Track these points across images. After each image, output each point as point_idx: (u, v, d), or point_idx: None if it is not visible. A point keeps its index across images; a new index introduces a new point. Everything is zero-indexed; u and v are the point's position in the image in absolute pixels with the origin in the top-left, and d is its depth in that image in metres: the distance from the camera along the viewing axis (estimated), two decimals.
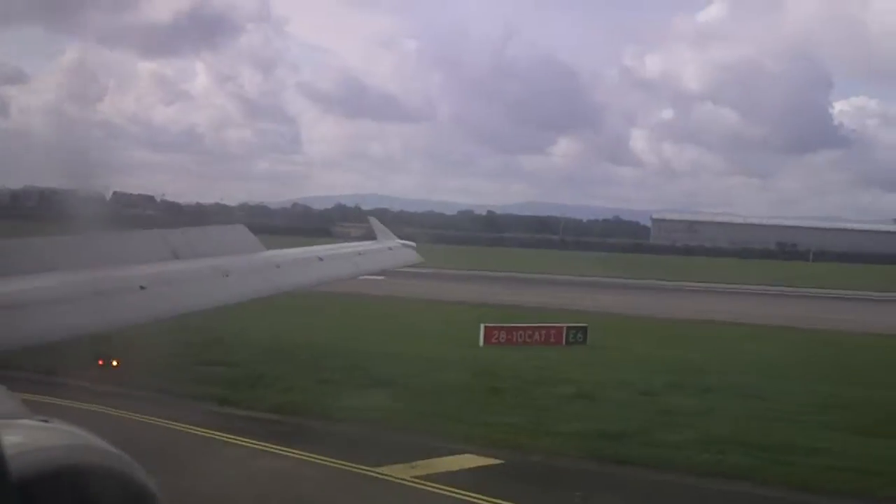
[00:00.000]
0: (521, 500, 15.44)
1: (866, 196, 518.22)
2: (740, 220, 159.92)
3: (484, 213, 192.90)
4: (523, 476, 17.03)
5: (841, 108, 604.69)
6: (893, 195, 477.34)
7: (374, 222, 11.78)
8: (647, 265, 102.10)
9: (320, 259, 8.99)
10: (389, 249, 11.06)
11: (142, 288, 5.98)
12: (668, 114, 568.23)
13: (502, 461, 17.59)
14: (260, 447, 18.11)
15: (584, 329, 34.32)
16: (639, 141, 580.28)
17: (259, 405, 21.90)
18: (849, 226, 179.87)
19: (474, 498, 15.26)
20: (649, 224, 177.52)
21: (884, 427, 20.41)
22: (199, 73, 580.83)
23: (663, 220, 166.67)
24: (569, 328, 34.20)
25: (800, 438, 19.36)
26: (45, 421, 2.54)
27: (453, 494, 15.45)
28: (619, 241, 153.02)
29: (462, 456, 17.70)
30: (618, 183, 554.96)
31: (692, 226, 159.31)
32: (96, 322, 5.64)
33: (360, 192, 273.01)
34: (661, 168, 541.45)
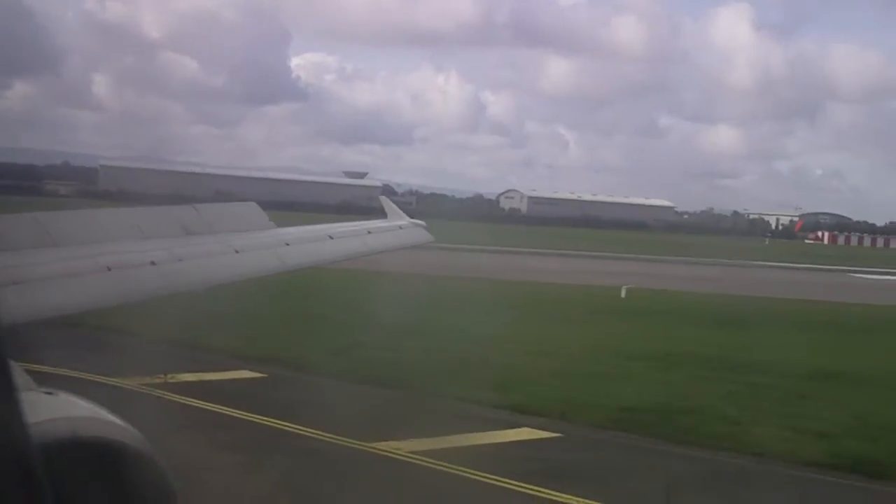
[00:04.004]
0: None
1: (326, 149, 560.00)
2: (182, 169, 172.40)
3: None
4: None
5: (299, 63, 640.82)
6: (349, 148, 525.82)
7: (385, 200, 12.36)
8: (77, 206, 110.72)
9: (330, 237, 9.32)
10: (400, 228, 11.38)
11: (152, 264, 6.32)
12: (130, 60, 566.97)
13: None
14: None
15: None
16: (101, 86, 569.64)
17: None
18: (296, 177, 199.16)
19: None
20: None
21: None
22: None
23: (110, 167, 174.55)
24: None
25: None
26: (51, 393, 2.68)
27: None
28: (70, 185, 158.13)
29: None
30: (80, 128, 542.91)
31: (137, 173, 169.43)
32: (104, 298, 5.98)
33: None
34: (124, 115, 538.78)
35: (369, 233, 10.42)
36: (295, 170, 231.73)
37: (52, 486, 1.98)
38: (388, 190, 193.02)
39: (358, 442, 14.97)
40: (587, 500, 12.96)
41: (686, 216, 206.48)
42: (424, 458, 14.46)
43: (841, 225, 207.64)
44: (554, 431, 16.76)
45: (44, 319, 5.39)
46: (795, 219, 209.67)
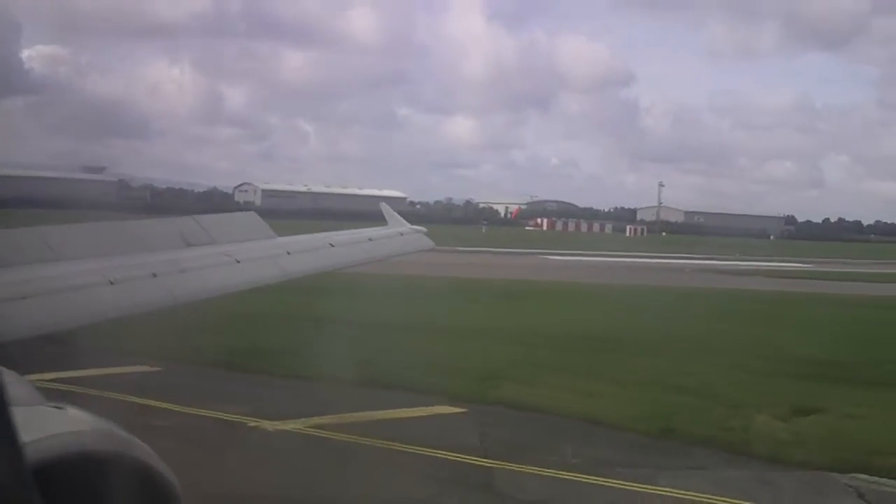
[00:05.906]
0: None
1: (65, 143, 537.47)
2: None
3: None
4: None
5: (31, 55, 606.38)
6: (91, 142, 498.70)
7: (386, 208, 12.37)
8: None
9: (331, 245, 9.45)
10: (401, 235, 11.52)
11: (154, 275, 6.45)
12: None
13: None
14: None
15: None
16: None
17: None
18: (31, 173, 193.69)
19: None
20: None
21: None
22: None
23: None
24: None
25: None
26: (59, 407, 2.67)
27: None
28: None
29: None
30: None
31: None
32: (108, 310, 6.07)
33: None
34: None
35: (370, 240, 10.70)
36: (32, 166, 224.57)
37: (59, 501, 2.05)
38: (123, 185, 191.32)
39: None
40: (167, 404, 19.80)
41: (418, 206, 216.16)
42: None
43: (566, 211, 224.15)
44: (159, 367, 23.97)
45: (47, 334, 5.53)
46: (523, 206, 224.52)
